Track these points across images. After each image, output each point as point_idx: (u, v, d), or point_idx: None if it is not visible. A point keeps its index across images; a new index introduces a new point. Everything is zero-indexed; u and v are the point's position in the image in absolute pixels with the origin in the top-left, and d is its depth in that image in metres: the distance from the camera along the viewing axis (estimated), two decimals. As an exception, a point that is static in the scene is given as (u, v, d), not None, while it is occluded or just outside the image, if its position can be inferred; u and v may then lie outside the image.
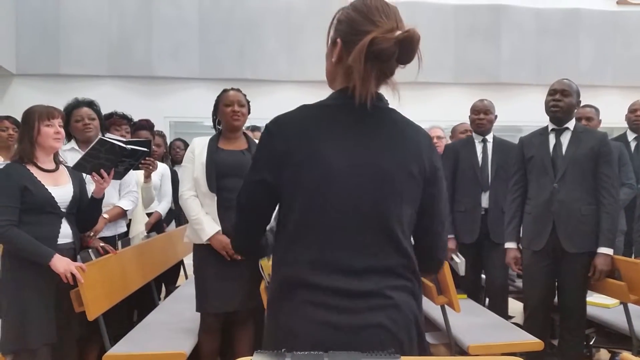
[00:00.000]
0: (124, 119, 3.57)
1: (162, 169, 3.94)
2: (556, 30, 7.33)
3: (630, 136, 3.88)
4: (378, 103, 1.19)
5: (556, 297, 2.94)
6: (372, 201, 1.15)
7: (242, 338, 2.70)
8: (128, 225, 3.30)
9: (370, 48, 1.09)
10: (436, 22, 7.12)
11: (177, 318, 2.89)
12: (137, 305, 3.41)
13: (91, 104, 3.01)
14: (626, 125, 3.99)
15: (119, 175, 2.70)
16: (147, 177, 3.40)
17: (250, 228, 1.29)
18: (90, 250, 2.56)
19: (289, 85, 6.87)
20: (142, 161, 3.14)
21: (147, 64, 6.81)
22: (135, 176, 3.31)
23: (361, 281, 1.13)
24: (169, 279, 4.07)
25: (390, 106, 1.23)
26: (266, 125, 1.22)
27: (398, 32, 1.09)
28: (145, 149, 2.72)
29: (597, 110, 3.75)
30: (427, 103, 6.97)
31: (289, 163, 1.15)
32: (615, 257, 2.75)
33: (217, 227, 2.54)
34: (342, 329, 1.11)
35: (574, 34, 7.36)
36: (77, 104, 2.98)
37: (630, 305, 2.65)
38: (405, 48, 1.09)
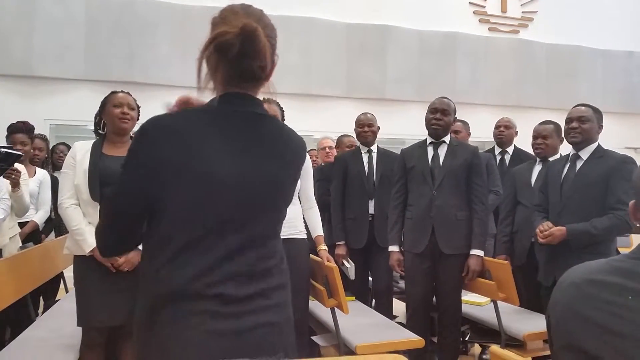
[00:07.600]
0: None
1: (41, 175, 3.68)
2: (436, 51, 7.86)
3: (497, 150, 4.21)
4: (258, 110, 1.19)
5: (435, 297, 3.12)
6: (261, 206, 1.15)
7: (129, 352, 2.55)
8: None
9: (214, 41, 1.08)
10: (330, 39, 7.36)
11: (56, 334, 2.68)
12: (11, 322, 3.13)
13: None
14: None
15: None
16: (15, 185, 3.13)
17: (124, 236, 1.18)
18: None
19: (182, 91, 6.58)
20: (6, 172, 2.89)
21: (28, 63, 6.30)
22: (6, 185, 3.06)
23: (243, 285, 1.11)
24: (47, 292, 3.78)
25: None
26: (142, 126, 1.12)
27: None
28: (19, 154, 2.52)
29: (464, 123, 4.12)
30: (319, 114, 7.19)
31: (167, 170, 1.09)
32: (485, 258, 2.98)
33: (101, 238, 2.41)
34: (227, 334, 1.08)
35: (451, 55, 7.95)
36: None
37: (499, 303, 2.85)
38: (246, 39, 1.07)
